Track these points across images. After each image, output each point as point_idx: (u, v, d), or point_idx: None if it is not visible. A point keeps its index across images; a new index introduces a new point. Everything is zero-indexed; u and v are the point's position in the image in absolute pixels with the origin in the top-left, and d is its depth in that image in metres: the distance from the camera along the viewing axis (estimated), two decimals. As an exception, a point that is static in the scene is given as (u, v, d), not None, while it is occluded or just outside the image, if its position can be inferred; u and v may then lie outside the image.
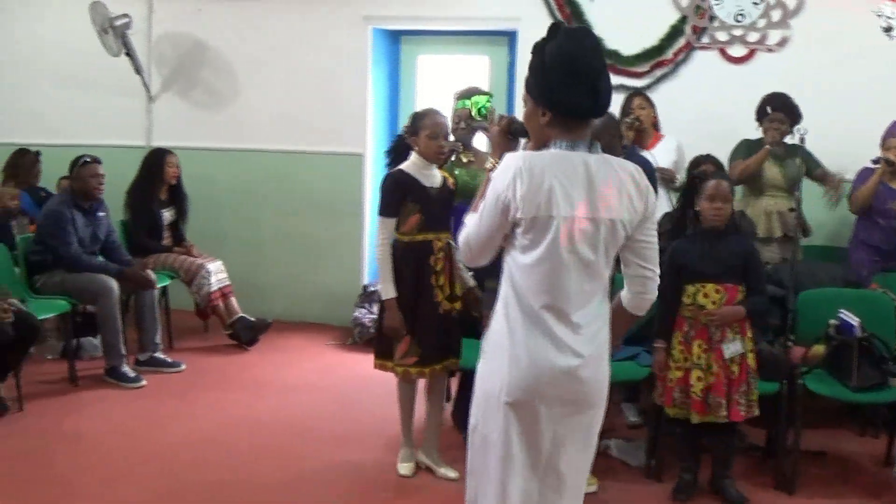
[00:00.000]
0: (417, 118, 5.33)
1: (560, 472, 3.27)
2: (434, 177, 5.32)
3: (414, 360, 5.26)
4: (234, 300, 7.97)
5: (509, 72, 8.55)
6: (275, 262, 8.90)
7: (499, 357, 3.23)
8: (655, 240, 3.31)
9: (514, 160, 3.17)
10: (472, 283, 5.43)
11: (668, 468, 5.49)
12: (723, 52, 7.81)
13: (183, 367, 7.33)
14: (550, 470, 3.26)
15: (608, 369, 3.30)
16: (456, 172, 5.88)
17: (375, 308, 8.15)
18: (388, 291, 5.22)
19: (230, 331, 7.93)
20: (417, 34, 9.04)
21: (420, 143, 5.24)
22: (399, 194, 5.23)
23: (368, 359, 7.40)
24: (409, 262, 5.24)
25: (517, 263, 3.20)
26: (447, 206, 5.34)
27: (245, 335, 7.93)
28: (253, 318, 8.00)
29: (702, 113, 7.55)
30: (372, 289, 8.28)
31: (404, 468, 5.47)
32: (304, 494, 5.23)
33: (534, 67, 3.30)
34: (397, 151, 5.51)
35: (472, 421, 3.35)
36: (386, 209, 5.24)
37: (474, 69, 8.70)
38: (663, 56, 7.91)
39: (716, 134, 7.20)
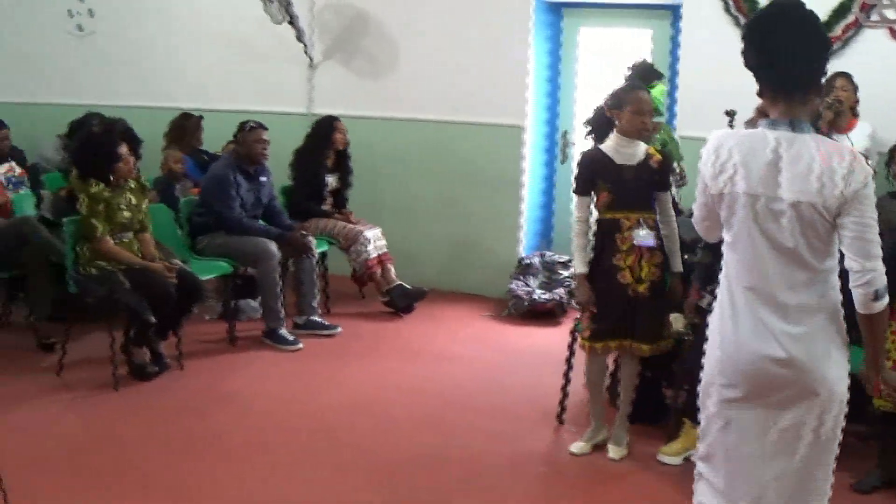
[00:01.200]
0: (622, 92, 5.24)
1: (781, 462, 3.15)
2: (633, 155, 5.21)
3: (587, 333, 5.22)
4: (391, 268, 8.00)
5: (672, 46, 8.35)
6: (431, 232, 8.90)
7: (714, 337, 3.23)
8: (865, 228, 3.03)
9: (713, 137, 3.17)
10: (673, 265, 5.30)
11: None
12: (891, 31, 7.48)
13: (339, 330, 7.40)
14: (770, 457, 3.18)
15: (831, 361, 3.11)
16: None
17: (531, 280, 8.16)
18: (578, 266, 5.25)
19: (386, 298, 7.97)
20: (579, 6, 8.91)
21: (623, 118, 5.14)
22: (589, 173, 5.20)
23: (523, 331, 7.45)
24: (600, 239, 5.21)
25: (725, 241, 3.20)
26: (644, 186, 5.21)
27: (401, 302, 7.96)
28: (409, 287, 8.02)
29: (869, 92, 7.22)
30: (528, 261, 8.24)
31: (577, 447, 5.39)
32: (456, 463, 5.22)
33: (743, 41, 3.19)
34: (597, 123, 5.45)
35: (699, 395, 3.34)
36: (577, 187, 5.25)
37: (636, 43, 8.51)
38: (831, 33, 7.61)
39: (885, 115, 6.92)
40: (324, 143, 7.99)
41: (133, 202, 6.39)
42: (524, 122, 8.60)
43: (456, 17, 8.68)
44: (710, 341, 3.25)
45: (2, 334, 7.28)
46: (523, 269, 8.25)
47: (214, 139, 8.63)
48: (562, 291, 7.98)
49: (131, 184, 6.42)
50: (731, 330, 3.14)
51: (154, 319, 6.09)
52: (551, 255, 8.36)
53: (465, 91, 8.68)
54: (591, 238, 5.24)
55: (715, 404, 3.22)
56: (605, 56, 8.63)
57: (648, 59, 6.70)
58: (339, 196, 8.20)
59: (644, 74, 6.17)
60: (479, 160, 8.69)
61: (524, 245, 8.69)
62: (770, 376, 3.10)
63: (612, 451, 5.32)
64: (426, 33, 8.81)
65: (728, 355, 3.14)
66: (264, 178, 7.37)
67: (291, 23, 8.83)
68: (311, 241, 7.31)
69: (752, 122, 3.53)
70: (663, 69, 7.76)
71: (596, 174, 5.17)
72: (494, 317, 8.08)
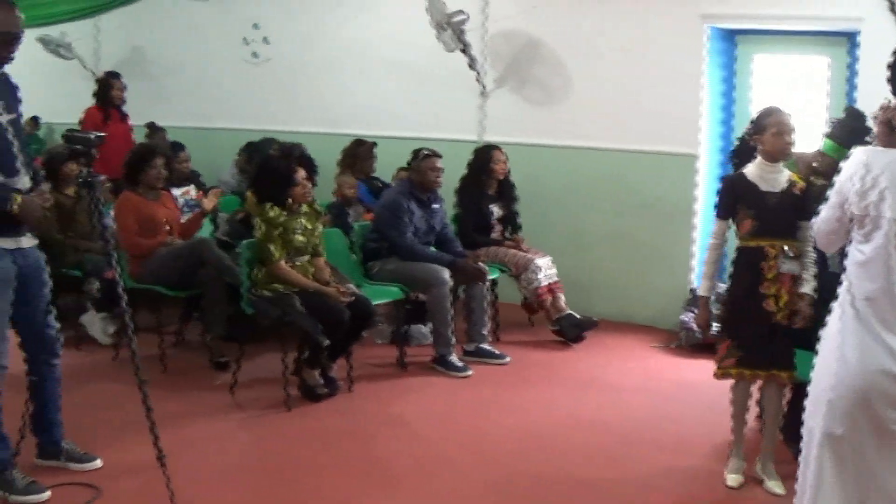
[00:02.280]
0: (761, 116, 5.14)
1: None
2: (777, 181, 5.09)
3: (733, 362, 5.11)
4: (561, 296, 7.92)
5: (849, 73, 8.09)
6: (601, 261, 8.77)
7: (830, 353, 3.22)
8: None
9: (859, 154, 3.16)
10: (807, 289, 5.13)
11: None
12: None
13: (509, 359, 7.34)
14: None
15: None
16: None
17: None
18: (703, 288, 5.26)
19: (556, 327, 7.88)
20: (754, 33, 8.68)
21: (765, 141, 5.04)
22: (731, 198, 5.13)
23: (694, 364, 7.27)
24: (744, 266, 5.12)
25: (853, 259, 3.18)
26: (788, 212, 5.08)
27: (570, 332, 7.86)
28: (579, 316, 7.92)
29: None
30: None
31: (732, 479, 5.21)
32: (624, 497, 5.10)
33: (890, 64, 3.25)
34: (741, 155, 5.33)
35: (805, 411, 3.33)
36: (718, 210, 5.22)
37: (812, 70, 8.28)
38: None
39: None
40: (483, 174, 7.98)
41: (307, 226, 6.47)
42: (697, 151, 8.42)
43: (628, 45, 8.57)
44: (824, 355, 3.25)
45: (177, 352, 7.47)
46: (695, 301, 8.05)
47: (386, 165, 8.72)
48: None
49: (305, 208, 6.50)
50: (849, 345, 3.13)
51: (327, 342, 6.13)
52: (724, 287, 8.14)
53: (637, 119, 8.55)
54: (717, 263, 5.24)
55: (821, 416, 3.22)
56: (780, 83, 8.40)
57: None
58: (508, 223, 8.16)
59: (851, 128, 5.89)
60: (651, 189, 8.55)
61: (696, 276, 8.51)
62: (886, 391, 3.10)
63: (774, 486, 5.13)
64: (598, 61, 8.72)
65: (848, 371, 3.13)
66: (437, 205, 7.40)
67: (464, 50, 8.87)
68: (484, 267, 7.27)
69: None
70: (840, 96, 7.54)
71: (739, 199, 5.10)
72: (665, 348, 7.91)
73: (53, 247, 6.73)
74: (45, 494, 4.90)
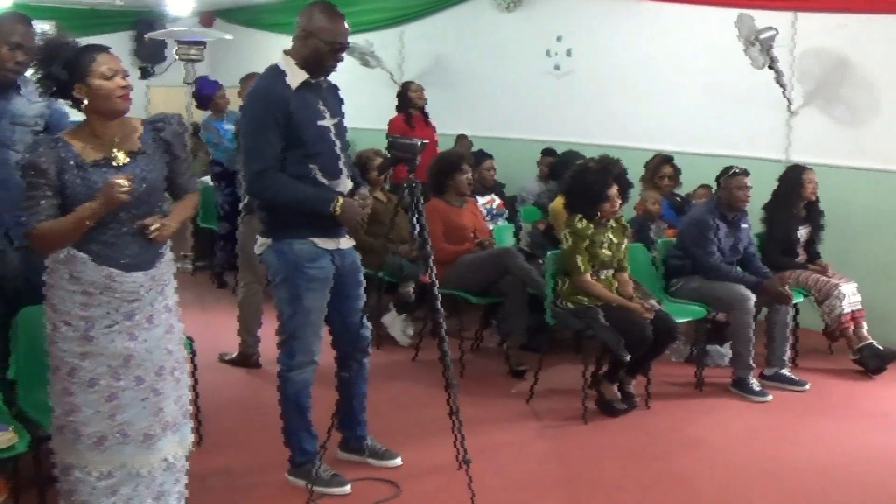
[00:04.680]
0: None
1: None
2: None
3: None
4: (864, 325, 7.63)
5: None
6: (907, 291, 8.41)
7: None
8: None
9: None
10: None
11: None
12: None
13: (808, 386, 7.13)
14: None
15: None
16: None
17: None
18: None
19: (857, 356, 7.60)
20: None
21: None
22: None
23: None
24: None
25: None
26: None
27: (871, 363, 7.55)
28: (881, 346, 7.62)
29: None
30: None
31: None
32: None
33: None
34: None
35: None
36: None
37: None
38: None
39: None
40: (793, 194, 7.76)
41: (614, 241, 6.49)
42: None
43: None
44: None
45: (474, 357, 7.64)
46: None
47: (687, 182, 8.63)
48: None
49: (612, 223, 6.52)
50: None
51: (629, 358, 6.13)
52: None
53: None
54: None
55: None
56: None
57: None
58: (812, 247, 7.93)
59: None
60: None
61: None
62: None
63: None
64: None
65: None
66: (743, 225, 7.27)
67: (772, 67, 8.69)
68: (789, 290, 7.11)
69: None
70: None
71: None
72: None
73: (362, 248, 7.01)
74: (348, 488, 5.11)
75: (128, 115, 4.07)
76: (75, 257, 3.90)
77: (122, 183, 3.81)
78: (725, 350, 7.42)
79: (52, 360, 4.00)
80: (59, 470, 4.04)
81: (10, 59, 4.77)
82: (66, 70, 3.91)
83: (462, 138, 10.65)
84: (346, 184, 5.03)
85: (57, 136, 3.98)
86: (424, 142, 5.38)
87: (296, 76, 4.88)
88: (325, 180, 4.91)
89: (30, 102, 4.77)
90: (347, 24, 4.95)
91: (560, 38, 10.53)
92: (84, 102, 3.94)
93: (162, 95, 14.47)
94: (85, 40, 4.06)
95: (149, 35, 12.51)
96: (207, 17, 15.26)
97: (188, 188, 4.28)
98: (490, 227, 7.95)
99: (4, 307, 4.78)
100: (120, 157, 3.97)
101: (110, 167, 3.94)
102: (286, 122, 4.79)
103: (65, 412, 3.97)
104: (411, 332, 7.90)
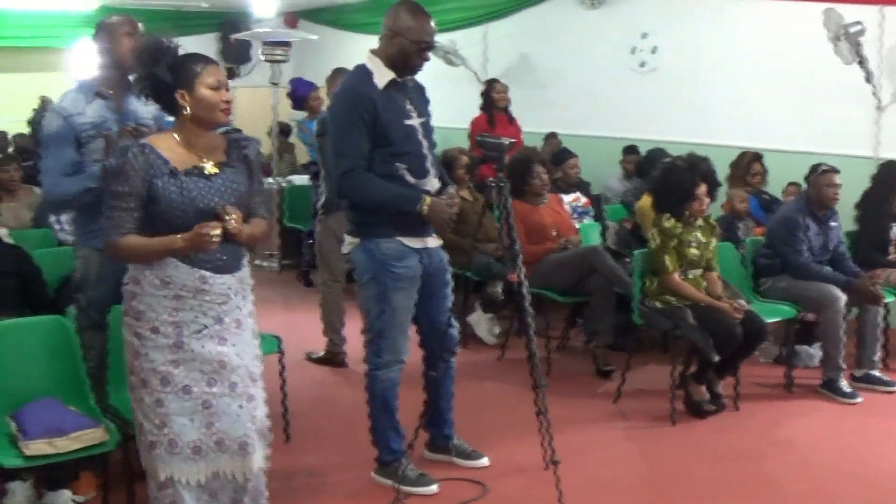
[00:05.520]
0: None
1: None
2: None
3: None
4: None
5: None
6: None
7: None
8: None
9: None
10: None
11: None
12: None
13: (897, 388, 7.02)
14: None
15: None
16: None
17: None
18: None
19: (947, 357, 7.46)
20: None
21: None
22: None
23: None
24: None
25: None
26: None
27: (962, 365, 7.41)
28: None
29: None
30: None
31: None
32: None
33: None
34: None
35: None
36: None
37: None
38: None
39: None
40: (888, 190, 7.61)
41: (702, 240, 6.42)
42: None
43: None
44: None
45: (560, 357, 7.61)
46: None
47: (775, 180, 8.51)
48: None
49: (701, 221, 6.45)
50: None
51: (718, 358, 6.06)
52: None
53: None
54: None
55: None
56: None
57: None
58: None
59: None
60: None
61: None
62: None
63: None
64: None
65: None
66: (833, 223, 7.14)
67: (860, 62, 8.53)
68: (880, 290, 6.98)
69: None
70: None
71: None
72: None
73: (448, 247, 7.02)
74: (435, 487, 5.11)
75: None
76: (166, 261, 3.91)
77: (214, 232, 3.85)
78: (815, 351, 7.30)
79: (139, 373, 3.95)
80: (153, 486, 3.99)
81: (120, 42, 4.84)
82: (171, 73, 3.94)
83: (551, 137, 10.63)
84: (433, 183, 5.04)
85: (144, 142, 4.00)
86: (512, 140, 5.37)
87: (383, 76, 4.90)
88: (412, 179, 4.93)
89: (144, 104, 4.84)
90: (434, 23, 4.96)
91: (644, 35, 10.43)
92: (187, 110, 3.96)
93: (247, 96, 14.65)
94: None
95: (234, 36, 12.67)
96: (291, 18, 15.41)
97: (260, 213, 4.26)
98: (576, 225, 7.90)
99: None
100: (210, 167, 4.00)
101: (202, 176, 3.97)
102: (373, 122, 4.82)
103: (157, 426, 3.91)
104: (497, 331, 7.89)
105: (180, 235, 3.86)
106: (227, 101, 4.00)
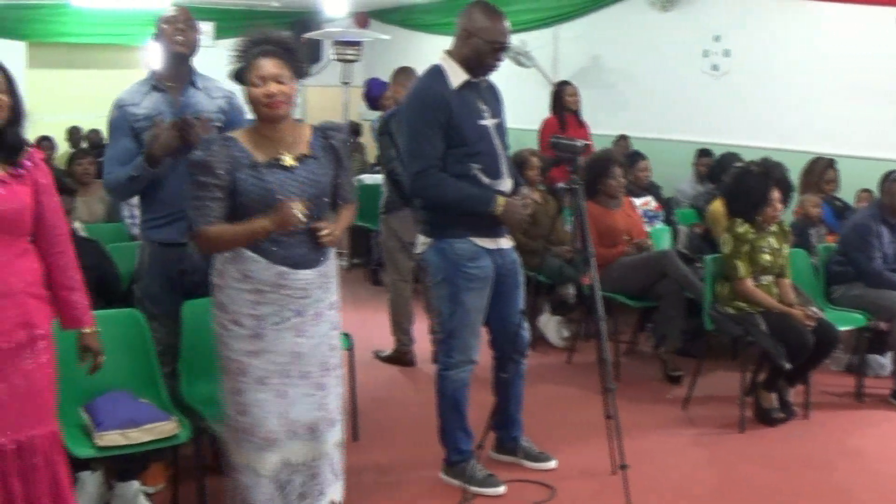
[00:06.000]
0: None
1: None
2: None
3: None
4: None
5: None
6: None
7: None
8: None
9: None
10: None
11: None
12: None
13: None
14: None
15: None
16: None
17: None
18: None
19: None
20: None
21: None
22: None
23: None
24: None
25: None
26: None
27: None
28: None
29: None
30: None
31: None
32: None
33: None
34: None
35: None
36: None
37: None
38: None
39: None
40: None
41: (775, 246, 6.36)
42: None
43: None
44: None
45: (629, 361, 7.57)
46: None
47: (848, 185, 8.40)
48: None
49: (774, 227, 6.39)
50: None
51: (789, 366, 6.00)
52: None
53: None
54: None
55: None
56: None
57: None
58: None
59: None
60: None
61: None
62: None
63: None
64: None
65: None
66: (906, 230, 7.06)
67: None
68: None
69: None
70: None
71: None
72: None
73: (519, 249, 7.02)
74: (502, 489, 5.12)
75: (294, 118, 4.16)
76: (246, 256, 3.98)
77: (300, 209, 3.89)
78: (886, 360, 7.20)
79: (222, 360, 4.09)
80: (229, 465, 4.15)
81: (174, 34, 4.86)
82: (238, 72, 4.04)
83: (622, 139, 10.59)
84: (506, 183, 5.04)
85: (228, 135, 4.08)
86: (587, 142, 5.35)
87: (457, 76, 4.91)
88: (485, 180, 4.93)
89: (211, 98, 4.87)
90: (508, 23, 4.96)
91: (717, 38, 10.36)
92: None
93: (318, 95, 14.74)
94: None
95: (305, 35, 12.74)
96: (362, 18, 15.48)
97: (348, 198, 4.32)
98: (647, 229, 7.86)
99: (181, 301, 4.90)
100: (288, 159, 4.04)
101: (281, 168, 4.01)
102: (447, 122, 4.83)
103: (237, 412, 4.06)
104: (566, 333, 7.87)
105: (265, 218, 3.92)
106: (269, 95, 3.97)
